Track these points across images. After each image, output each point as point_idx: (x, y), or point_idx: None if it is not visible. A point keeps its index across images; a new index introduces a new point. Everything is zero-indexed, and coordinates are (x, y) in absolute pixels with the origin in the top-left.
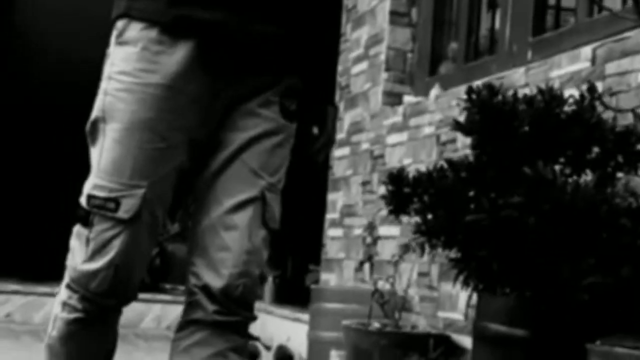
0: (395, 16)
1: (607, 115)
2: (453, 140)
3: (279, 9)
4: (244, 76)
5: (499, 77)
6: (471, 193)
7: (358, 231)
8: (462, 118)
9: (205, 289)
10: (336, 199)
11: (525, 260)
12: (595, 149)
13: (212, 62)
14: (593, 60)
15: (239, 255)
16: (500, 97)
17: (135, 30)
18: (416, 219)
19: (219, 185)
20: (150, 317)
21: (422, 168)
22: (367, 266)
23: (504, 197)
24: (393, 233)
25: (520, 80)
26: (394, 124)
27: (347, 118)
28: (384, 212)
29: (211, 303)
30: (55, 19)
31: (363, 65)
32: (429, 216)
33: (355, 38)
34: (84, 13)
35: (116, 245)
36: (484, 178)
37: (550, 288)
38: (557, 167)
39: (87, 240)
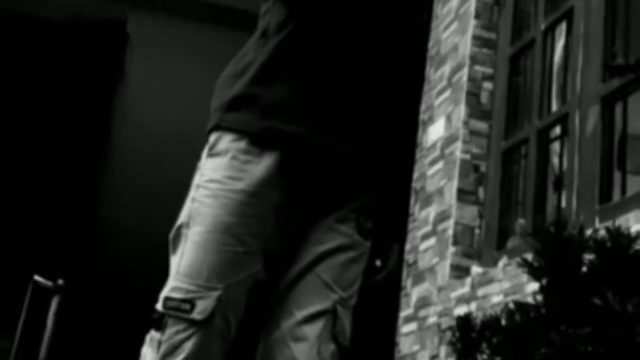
0: (463, 194)
1: None
2: None
3: (360, 132)
4: (323, 191)
5: None
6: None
7: None
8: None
9: None
10: None
11: None
12: None
13: (294, 174)
14: None
15: None
16: (567, 233)
17: (226, 142)
18: None
19: (292, 297)
20: None
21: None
22: None
23: (573, 329)
24: None
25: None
26: (462, 296)
27: (414, 293)
28: None
29: None
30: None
31: (431, 241)
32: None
33: (423, 217)
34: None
35: (187, 347)
36: (553, 315)
37: None
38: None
39: (159, 344)
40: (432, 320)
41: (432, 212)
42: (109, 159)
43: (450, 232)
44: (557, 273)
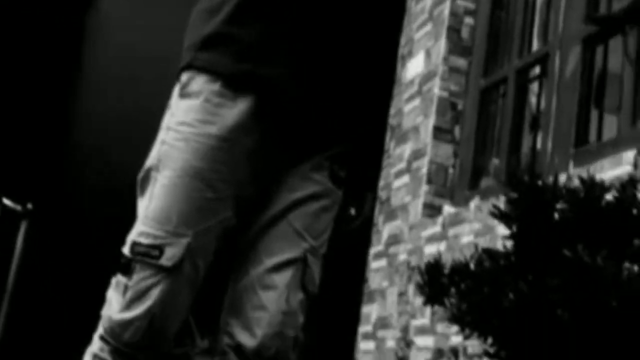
0: (439, 132)
1: None
2: None
3: (340, 77)
4: (299, 137)
5: None
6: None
7: (391, 343)
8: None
9: (238, 348)
10: (370, 311)
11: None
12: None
13: (269, 120)
14: (635, 165)
15: (275, 316)
16: (540, 182)
17: (198, 83)
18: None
19: (262, 244)
20: None
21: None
22: None
23: (542, 279)
24: (428, 344)
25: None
26: (432, 235)
27: (385, 230)
28: (419, 322)
29: None
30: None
31: (405, 179)
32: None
33: (398, 154)
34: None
35: (155, 294)
36: (523, 264)
37: None
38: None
39: (125, 289)
40: (402, 257)
41: (407, 149)
42: (80, 82)
43: (425, 170)
44: (529, 222)
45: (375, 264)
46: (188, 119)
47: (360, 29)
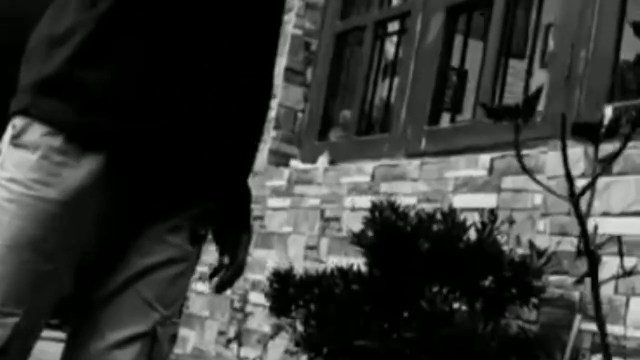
0: (290, 73)
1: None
2: (337, 219)
3: (204, 130)
4: (154, 197)
5: (391, 164)
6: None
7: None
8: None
9: None
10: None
11: None
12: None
13: (121, 179)
14: (490, 170)
15: None
16: (401, 222)
17: (35, 134)
18: (299, 327)
19: (105, 315)
20: None
21: (302, 240)
22: (235, 343)
23: (397, 328)
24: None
25: (414, 172)
26: (278, 188)
27: None
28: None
29: None
30: None
31: None
32: (312, 322)
33: None
34: None
35: None
36: (377, 296)
37: None
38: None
39: None
40: None
41: None
42: None
43: (273, 114)
44: (387, 257)
45: None
46: (21, 177)
47: (232, 76)
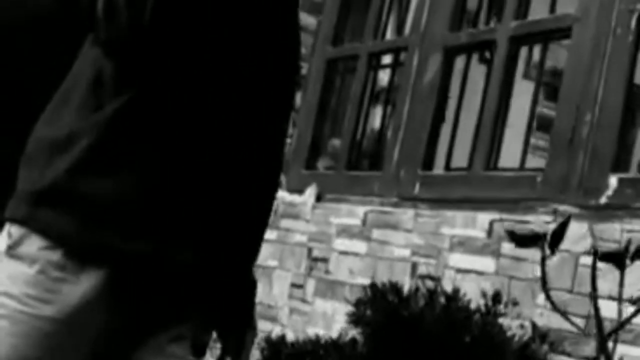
0: None
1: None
2: (325, 260)
3: (210, 244)
4: (156, 310)
5: (384, 210)
6: None
7: None
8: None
9: None
10: None
11: None
12: None
13: (123, 296)
14: (489, 233)
15: None
16: (404, 309)
17: (33, 246)
18: None
19: None
20: None
21: (288, 276)
22: None
23: None
24: None
25: (408, 223)
26: None
27: None
28: None
29: None
30: None
31: None
32: None
33: None
34: None
35: None
36: None
37: None
38: None
39: None
40: None
41: None
42: None
43: None
44: (386, 337)
45: None
46: (16, 291)
47: (244, 185)
